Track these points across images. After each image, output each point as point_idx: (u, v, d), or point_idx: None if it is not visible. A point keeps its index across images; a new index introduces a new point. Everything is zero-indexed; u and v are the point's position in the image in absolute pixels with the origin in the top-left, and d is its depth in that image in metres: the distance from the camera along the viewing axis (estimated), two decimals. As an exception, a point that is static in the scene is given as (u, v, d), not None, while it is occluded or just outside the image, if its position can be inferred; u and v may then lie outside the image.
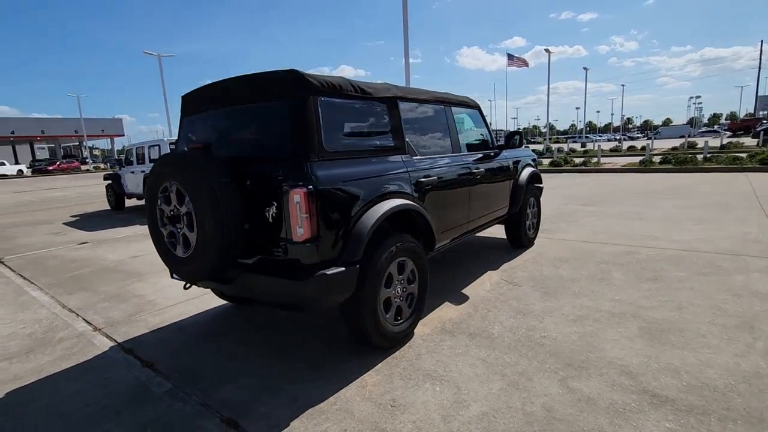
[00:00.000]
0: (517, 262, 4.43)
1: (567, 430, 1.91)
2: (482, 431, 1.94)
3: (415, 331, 2.98)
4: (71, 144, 61.79)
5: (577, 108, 51.94)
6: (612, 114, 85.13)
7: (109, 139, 59.28)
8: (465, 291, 3.71)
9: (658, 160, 12.79)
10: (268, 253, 2.40)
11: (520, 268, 4.25)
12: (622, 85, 71.28)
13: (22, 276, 5.06)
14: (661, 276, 3.77)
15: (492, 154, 4.18)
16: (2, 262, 5.81)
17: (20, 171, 36.75)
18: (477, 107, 4.19)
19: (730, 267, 3.89)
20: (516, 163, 4.61)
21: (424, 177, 3.04)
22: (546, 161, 15.49)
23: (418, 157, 3.09)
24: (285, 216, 2.24)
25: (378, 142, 2.80)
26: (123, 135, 58.89)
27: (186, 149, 2.84)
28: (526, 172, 4.75)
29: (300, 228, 2.21)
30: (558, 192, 9.57)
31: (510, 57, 40.97)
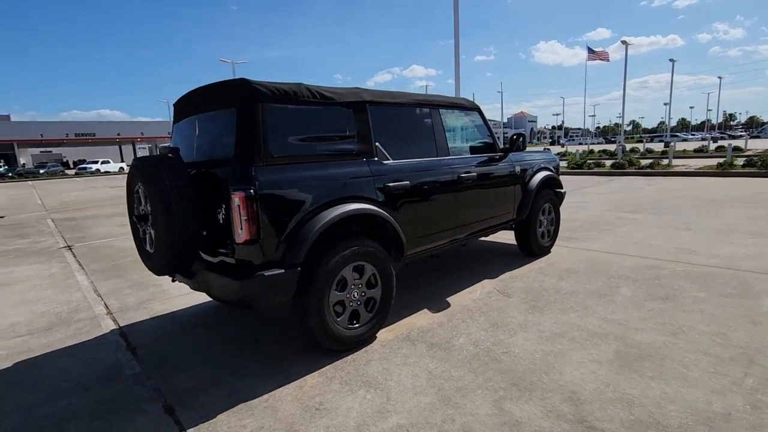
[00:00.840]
0: (520, 272, 4.19)
1: (474, 454, 1.81)
2: (389, 444, 1.91)
3: (379, 336, 2.97)
4: (168, 144, 68.71)
5: (665, 104, 47.01)
6: (709, 110, 75.96)
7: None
8: (452, 298, 3.61)
9: (741, 163, 11.24)
10: (222, 253, 2.54)
11: (521, 277, 4.02)
12: (719, 78, 62.99)
13: (78, 262, 5.78)
14: (675, 295, 3.36)
15: (491, 157, 4.01)
16: (70, 249, 6.68)
17: (121, 168, 41.66)
18: (475, 109, 4.03)
19: (763, 289, 3.36)
20: (525, 167, 4.36)
21: (394, 182, 3.01)
22: (608, 163, 14.31)
23: (390, 161, 3.06)
24: (230, 218, 2.36)
25: (339, 147, 2.82)
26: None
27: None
28: (538, 177, 4.48)
29: (240, 230, 2.31)
30: (608, 197, 8.83)
31: (590, 50, 38.69)
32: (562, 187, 4.95)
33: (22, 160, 49.22)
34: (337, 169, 2.74)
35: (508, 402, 2.14)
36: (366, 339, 2.86)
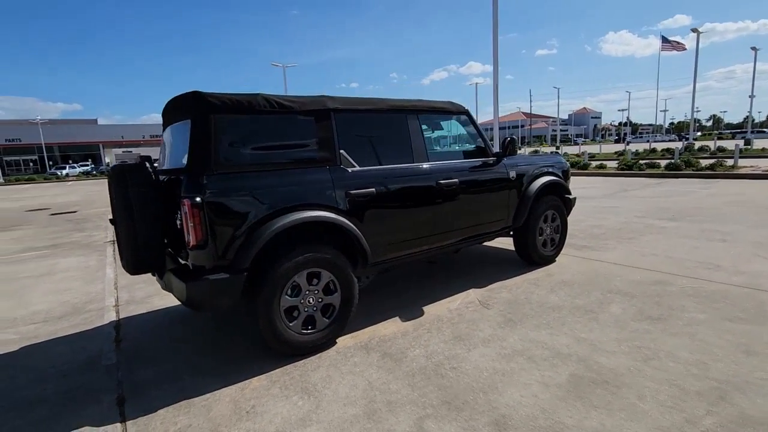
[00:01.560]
0: (512, 282, 4.01)
1: (372, 472, 1.78)
2: (297, 453, 1.92)
3: (339, 341, 2.99)
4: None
5: (751, 96, 42.07)
6: (808, 102, 66.65)
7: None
8: (430, 306, 3.53)
9: (822, 164, 9.85)
10: (182, 256, 2.69)
11: (510, 288, 3.84)
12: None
13: (114, 256, 6.33)
14: (670, 316, 3.05)
15: (480, 163, 3.86)
16: (113, 243, 7.32)
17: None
18: (463, 113, 3.89)
19: (778, 314, 2.96)
20: (522, 172, 4.15)
21: (358, 189, 3.00)
22: (663, 163, 13.13)
23: (355, 168, 3.05)
24: (184, 223, 2.49)
25: (299, 155, 2.86)
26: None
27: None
28: (538, 182, 4.24)
29: (189, 235, 2.43)
30: (649, 202, 8.15)
31: (664, 40, 36.19)
32: (570, 193, 4.65)
33: (107, 159, 54.41)
34: (294, 177, 2.78)
35: (431, 420, 2.07)
36: (323, 344, 2.88)
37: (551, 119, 69.69)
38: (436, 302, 3.63)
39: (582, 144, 63.91)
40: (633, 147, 29.99)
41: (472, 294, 3.77)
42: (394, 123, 3.37)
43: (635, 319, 3.04)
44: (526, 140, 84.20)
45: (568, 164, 4.84)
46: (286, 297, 2.70)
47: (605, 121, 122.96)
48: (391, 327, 3.19)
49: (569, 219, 4.72)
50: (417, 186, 3.35)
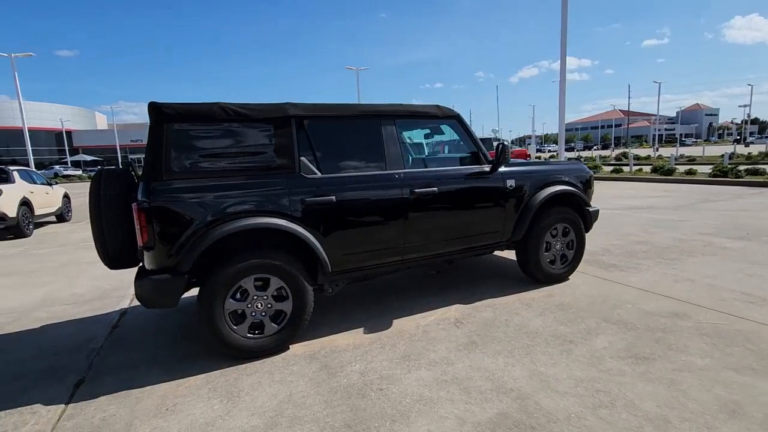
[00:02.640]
0: (503, 300, 3.68)
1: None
2: (182, 457, 1.97)
3: (292, 348, 2.99)
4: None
5: None
6: None
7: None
8: (402, 320, 3.39)
9: None
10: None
11: (495, 307, 3.54)
12: None
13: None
14: (662, 357, 2.58)
15: (469, 171, 3.60)
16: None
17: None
18: (452, 117, 3.64)
19: (805, 369, 2.35)
20: (523, 181, 3.79)
21: (316, 197, 2.97)
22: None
23: (316, 175, 3.03)
24: (138, 226, 2.67)
25: (255, 162, 2.91)
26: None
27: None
28: (544, 193, 3.84)
29: (138, 236, 2.61)
30: (725, 216, 6.96)
31: None
32: (588, 205, 4.14)
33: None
34: (245, 184, 2.84)
35: (319, 443, 1.99)
36: (271, 350, 2.90)
37: (653, 117, 62.50)
38: (412, 316, 3.47)
39: (692, 145, 56.56)
40: (753, 149, 25.83)
41: (453, 310, 3.53)
42: (365, 129, 3.28)
43: (616, 357, 2.62)
44: (623, 140, 76.90)
45: (589, 172, 4.31)
46: (231, 300, 2.77)
47: (724, 118, 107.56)
48: (349, 339, 3.12)
49: (605, 234, 4.22)
50: (385, 194, 3.22)
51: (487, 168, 3.65)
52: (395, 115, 3.38)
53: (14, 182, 9.11)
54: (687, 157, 22.41)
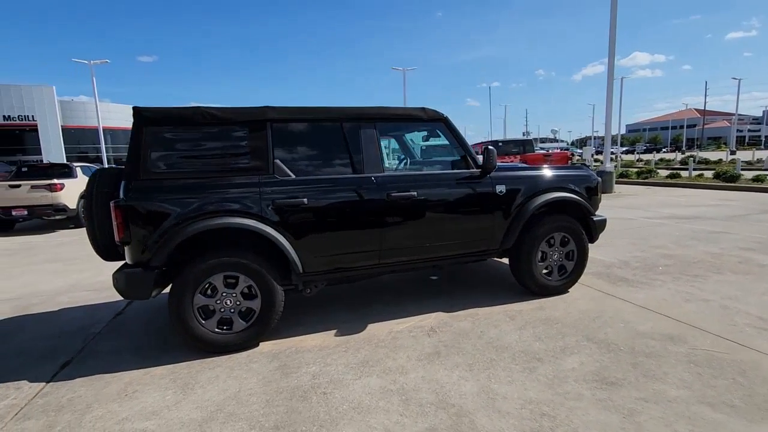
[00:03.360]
0: (487, 311, 3.53)
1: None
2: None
3: (261, 345, 3.07)
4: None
5: None
6: None
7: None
8: (378, 324, 3.36)
9: None
10: None
11: (476, 317, 3.40)
12: None
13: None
14: (633, 384, 2.36)
15: (455, 175, 3.50)
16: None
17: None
18: (438, 120, 3.53)
19: (794, 411, 2.04)
20: (516, 187, 3.61)
21: (287, 199, 3.03)
22: None
23: (290, 177, 3.08)
24: (119, 222, 2.87)
25: (230, 164, 3.01)
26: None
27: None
28: (540, 199, 3.64)
29: (115, 232, 2.81)
30: (788, 229, 6.18)
31: None
32: (592, 213, 3.87)
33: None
34: (219, 185, 2.95)
35: (243, 442, 2.03)
36: (240, 345, 2.99)
37: (732, 116, 56.68)
38: (390, 321, 3.43)
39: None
40: None
41: (433, 318, 3.45)
42: (343, 132, 3.28)
43: (581, 379, 2.43)
44: (698, 142, 70.64)
45: (596, 179, 4.02)
46: (200, 296, 2.90)
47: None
48: (318, 340, 3.14)
49: (631, 244, 3.93)
50: (359, 197, 3.21)
51: (474, 173, 3.52)
52: (376, 118, 3.35)
53: (77, 177, 10.09)
54: (762, 161, 20.14)
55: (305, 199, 3.07)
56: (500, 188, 3.58)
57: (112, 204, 2.78)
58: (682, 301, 3.54)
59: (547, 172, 3.88)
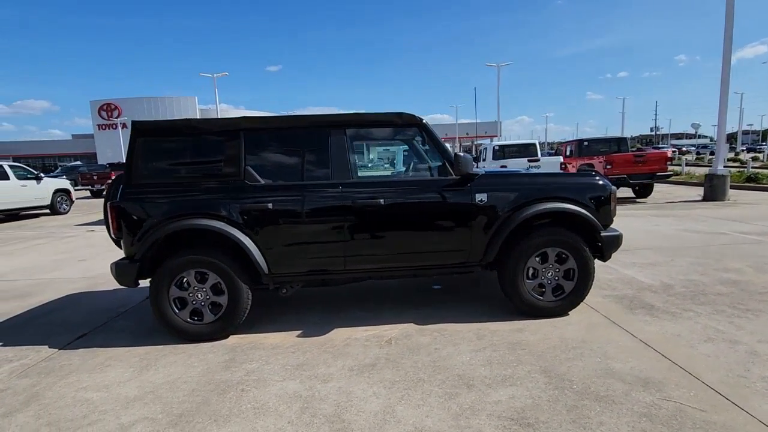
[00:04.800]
0: (460, 327, 3.31)
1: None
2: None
3: (231, 338, 3.32)
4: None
5: None
6: None
7: (489, 139, 69.71)
8: (340, 330, 3.38)
9: None
10: None
11: (444, 333, 3.22)
12: None
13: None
14: (555, 429, 2.04)
15: (430, 182, 3.35)
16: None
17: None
18: (414, 124, 3.38)
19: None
20: (501, 195, 3.31)
21: (255, 203, 3.22)
22: None
23: (257, 183, 3.27)
24: (118, 220, 3.36)
25: (208, 170, 3.30)
26: (497, 136, 67.94)
27: None
28: (529, 210, 3.28)
29: (111, 228, 3.30)
30: None
31: None
32: (597, 227, 3.36)
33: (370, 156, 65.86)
34: (195, 189, 3.26)
35: (140, 426, 2.25)
36: (209, 336, 3.26)
37: None
38: (356, 327, 3.43)
39: None
40: None
41: (399, 329, 3.35)
42: (313, 140, 3.36)
43: (495, 415, 2.18)
44: None
45: (607, 188, 3.46)
46: (175, 288, 3.24)
47: None
48: (279, 339, 3.28)
49: (694, 264, 3.43)
50: (324, 204, 3.26)
51: (450, 180, 3.33)
52: (346, 124, 3.37)
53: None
54: None
55: (270, 204, 3.23)
56: (481, 197, 3.32)
57: (108, 204, 3.26)
58: (700, 341, 2.90)
59: (541, 179, 3.49)
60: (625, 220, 7.96)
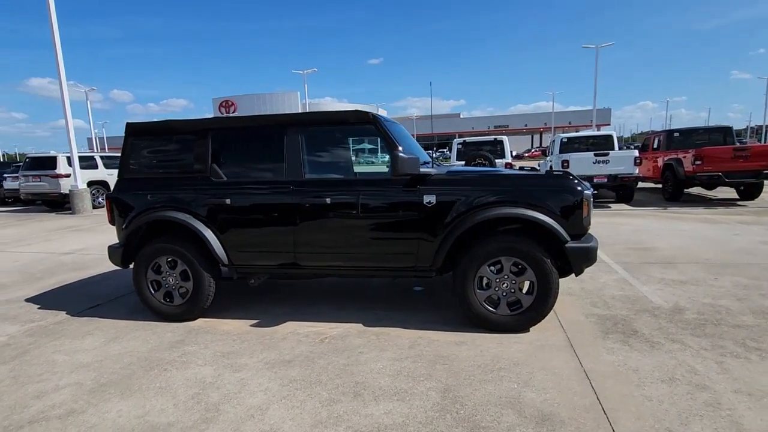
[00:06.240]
0: (402, 333, 3.19)
1: None
2: None
3: (197, 321, 3.64)
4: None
5: None
6: None
7: (595, 128, 63.38)
8: (291, 324, 3.47)
9: None
10: None
11: (379, 337, 3.13)
12: None
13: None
14: (396, 452, 1.91)
15: (373, 181, 3.27)
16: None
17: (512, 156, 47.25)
18: (367, 122, 3.26)
19: None
20: (454, 196, 3.09)
21: (214, 198, 3.46)
22: None
23: (220, 180, 3.50)
24: (117, 209, 3.88)
25: (180, 166, 3.62)
26: (609, 124, 61.45)
27: None
28: (480, 215, 3.02)
29: (107, 217, 3.82)
30: None
31: None
32: (562, 237, 2.94)
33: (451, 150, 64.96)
34: (169, 184, 3.60)
35: (67, 392, 2.62)
36: (179, 317, 3.60)
37: None
38: (307, 322, 3.49)
39: None
40: None
41: (345, 328, 3.35)
42: (270, 139, 3.46)
43: (355, 430, 2.09)
44: None
45: (579, 193, 2.99)
46: (151, 272, 3.65)
47: None
48: (233, 326, 3.50)
49: (735, 285, 3.04)
50: (275, 201, 3.37)
51: (396, 180, 3.19)
52: (300, 124, 3.42)
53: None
54: None
55: (228, 200, 3.45)
56: (429, 199, 3.14)
57: (105, 195, 3.77)
58: (657, 380, 2.41)
59: (500, 181, 3.17)
60: (694, 226, 6.77)
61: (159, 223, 3.63)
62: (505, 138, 10.88)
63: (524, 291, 3.10)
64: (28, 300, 4.42)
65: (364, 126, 3.39)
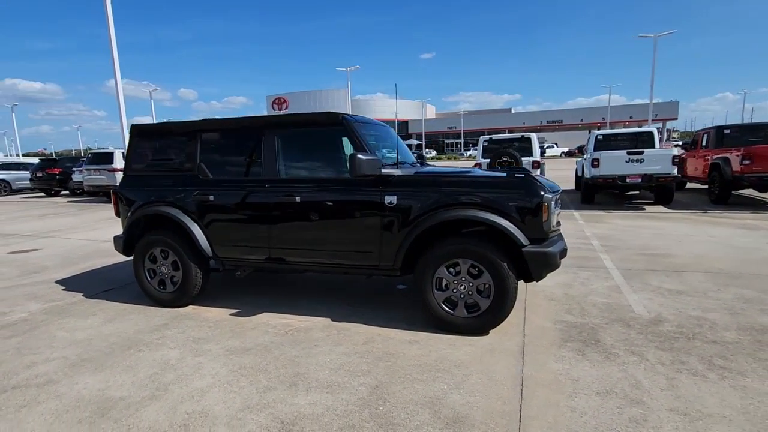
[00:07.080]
0: (364, 329, 3.28)
1: None
2: None
3: (190, 307, 3.94)
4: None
5: None
6: None
7: (661, 123, 59.01)
8: (264, 315, 3.67)
9: None
10: None
11: (340, 332, 3.24)
12: None
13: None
14: (301, 440, 2.02)
15: (338, 181, 3.37)
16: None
17: (563, 153, 45.17)
18: (336, 124, 3.35)
19: None
20: (414, 198, 3.13)
21: (200, 195, 3.73)
22: None
23: (207, 178, 3.76)
24: (125, 203, 4.28)
25: (174, 165, 3.92)
26: (676, 118, 56.90)
27: None
28: (437, 216, 3.04)
29: (114, 209, 4.22)
30: None
31: None
32: (518, 242, 2.88)
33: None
34: (164, 181, 3.92)
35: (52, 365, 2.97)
36: (171, 303, 3.93)
37: None
38: (281, 314, 3.68)
39: None
40: None
41: (313, 321, 3.50)
42: (248, 140, 3.67)
43: (273, 417, 2.23)
44: None
45: (538, 196, 2.89)
46: (148, 261, 4.00)
47: None
48: (215, 314, 3.76)
49: (739, 298, 2.97)
50: (252, 199, 3.58)
51: (359, 180, 3.27)
52: (275, 126, 3.59)
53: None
54: None
55: (212, 197, 3.70)
56: (390, 199, 3.20)
57: (111, 190, 4.18)
58: (593, 392, 2.32)
59: (459, 182, 3.14)
60: (727, 231, 6.24)
61: (154, 217, 3.97)
62: (533, 135, 10.48)
63: (482, 294, 3.08)
64: (57, 282, 4.98)
65: (334, 127, 3.50)
